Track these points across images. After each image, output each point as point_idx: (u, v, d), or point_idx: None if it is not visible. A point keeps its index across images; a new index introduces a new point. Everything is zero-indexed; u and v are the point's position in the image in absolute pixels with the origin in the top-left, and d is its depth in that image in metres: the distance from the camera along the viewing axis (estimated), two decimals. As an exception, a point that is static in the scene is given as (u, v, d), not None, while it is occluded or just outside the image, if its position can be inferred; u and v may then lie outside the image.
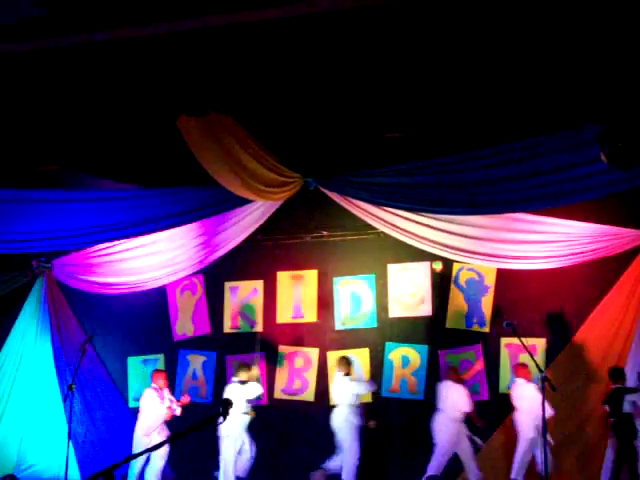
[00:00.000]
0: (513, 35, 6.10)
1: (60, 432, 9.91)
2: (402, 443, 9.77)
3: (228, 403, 4.36)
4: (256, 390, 9.36)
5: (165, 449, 9.04)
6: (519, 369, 9.12)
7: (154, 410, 9.09)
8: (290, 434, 10.03)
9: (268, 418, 10.14)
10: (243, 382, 9.35)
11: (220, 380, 10.42)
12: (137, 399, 10.63)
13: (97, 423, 10.37)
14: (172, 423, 9.35)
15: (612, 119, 5.90)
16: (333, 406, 9.47)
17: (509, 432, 9.31)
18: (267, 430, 10.05)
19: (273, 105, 7.30)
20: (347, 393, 9.30)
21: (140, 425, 9.23)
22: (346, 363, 9.54)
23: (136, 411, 10.45)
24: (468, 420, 9.19)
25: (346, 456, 9.17)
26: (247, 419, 9.30)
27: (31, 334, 10.49)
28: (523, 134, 7.09)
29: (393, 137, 7.85)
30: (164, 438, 8.92)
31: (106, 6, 5.69)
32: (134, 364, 10.77)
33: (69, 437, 9.15)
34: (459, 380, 9.18)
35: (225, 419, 3.86)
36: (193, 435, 4.15)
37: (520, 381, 8.99)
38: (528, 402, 8.60)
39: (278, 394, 10.30)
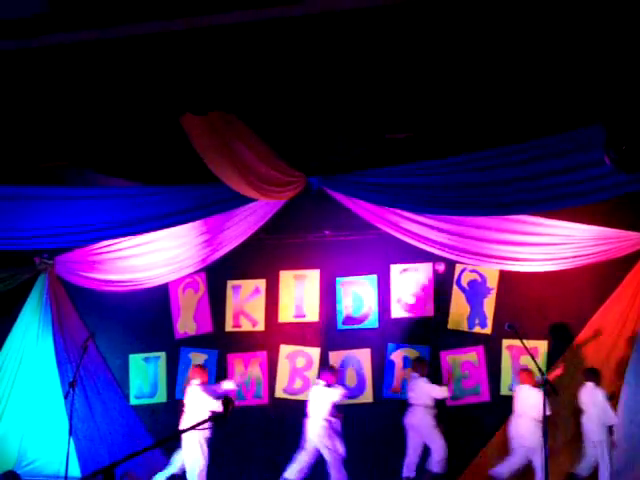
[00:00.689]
0: (518, 36, 6.09)
1: (61, 429, 9.94)
2: (403, 443, 9.76)
3: (229, 402, 4.36)
4: (340, 392, 9.27)
5: (204, 449, 8.99)
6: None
7: (205, 406, 9.03)
8: (291, 433, 10.03)
9: (268, 418, 10.16)
10: (329, 385, 9.30)
11: (221, 378, 10.43)
12: (138, 397, 10.66)
13: (98, 420, 10.37)
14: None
15: (616, 122, 5.89)
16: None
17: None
18: (268, 429, 10.08)
19: (277, 104, 7.29)
20: (423, 394, 9.24)
21: (190, 422, 9.15)
22: (423, 364, 9.49)
23: (137, 409, 10.51)
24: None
25: (434, 453, 9.16)
26: (330, 423, 9.20)
27: (33, 330, 10.51)
28: (527, 136, 7.08)
29: (397, 138, 7.84)
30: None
31: (108, 3, 5.69)
32: (136, 361, 10.78)
33: (70, 434, 9.17)
34: (534, 383, 8.90)
35: (226, 419, 3.85)
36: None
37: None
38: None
39: (279, 393, 10.30)
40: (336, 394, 9.22)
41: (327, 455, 9.12)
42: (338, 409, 9.28)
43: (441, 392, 9.33)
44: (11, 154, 7.93)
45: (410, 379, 9.51)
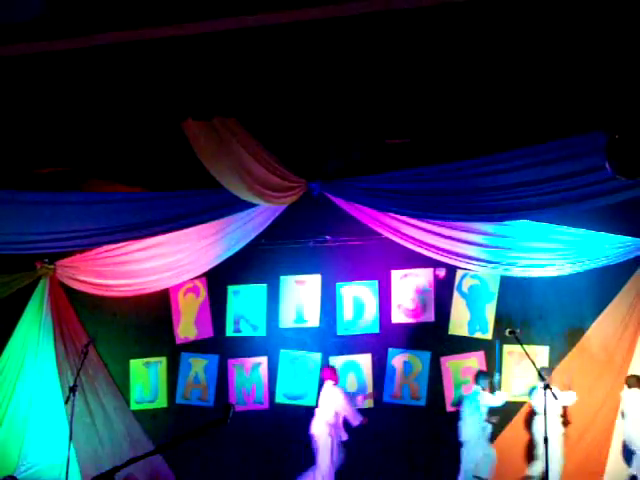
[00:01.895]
0: (520, 42, 6.10)
1: (61, 434, 9.92)
2: (403, 449, 9.76)
3: (229, 407, 4.34)
4: (501, 397, 9.17)
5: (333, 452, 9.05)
6: None
7: (342, 407, 9.06)
8: (291, 439, 10.03)
9: (269, 423, 10.16)
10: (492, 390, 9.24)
11: (222, 383, 10.43)
12: (139, 402, 10.65)
13: (98, 425, 10.36)
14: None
15: (617, 128, 5.90)
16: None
17: (511, 438, 9.33)
18: (268, 435, 10.07)
19: (278, 109, 7.30)
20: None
21: (326, 422, 9.22)
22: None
23: (138, 413, 10.49)
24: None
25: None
26: (489, 426, 9.14)
27: (34, 335, 10.50)
28: (527, 142, 7.09)
29: (398, 143, 7.85)
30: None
31: (108, 9, 5.70)
32: (136, 366, 10.77)
33: (70, 439, 9.15)
34: None
35: (227, 424, 3.83)
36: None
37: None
38: None
39: (280, 398, 10.29)
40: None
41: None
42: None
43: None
44: (13, 159, 7.94)
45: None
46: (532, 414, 9.18)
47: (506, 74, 6.51)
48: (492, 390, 9.24)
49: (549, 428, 8.55)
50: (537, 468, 8.94)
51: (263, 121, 7.44)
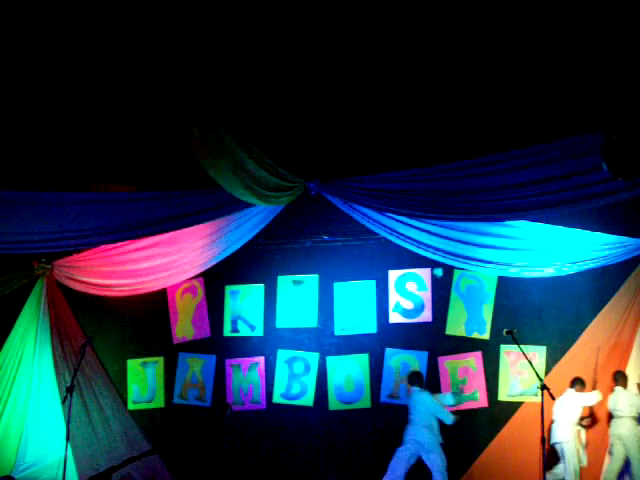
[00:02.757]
0: (518, 43, 6.12)
1: (59, 433, 9.91)
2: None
3: (226, 407, 4.36)
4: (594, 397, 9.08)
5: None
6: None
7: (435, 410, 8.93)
8: (288, 439, 10.03)
9: (266, 423, 10.16)
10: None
11: (219, 383, 10.43)
12: (136, 401, 10.65)
13: (95, 425, 10.34)
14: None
15: (614, 128, 5.91)
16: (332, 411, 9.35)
17: (508, 439, 9.33)
18: (265, 435, 10.07)
19: (276, 109, 7.31)
20: (631, 406, 8.92)
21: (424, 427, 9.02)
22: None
23: (135, 413, 10.48)
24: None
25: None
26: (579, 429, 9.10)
27: (31, 335, 10.48)
28: (526, 142, 7.10)
29: (395, 143, 7.86)
30: None
31: (107, 11, 5.70)
32: (133, 366, 10.77)
33: (67, 439, 9.14)
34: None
35: (224, 423, 3.85)
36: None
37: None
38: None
39: (277, 399, 10.29)
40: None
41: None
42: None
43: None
44: (12, 159, 7.94)
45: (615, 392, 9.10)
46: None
47: (506, 75, 6.53)
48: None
49: (563, 431, 8.67)
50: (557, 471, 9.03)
51: (261, 121, 7.45)
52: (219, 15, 5.74)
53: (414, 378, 9.32)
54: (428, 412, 8.96)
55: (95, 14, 5.71)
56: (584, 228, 8.58)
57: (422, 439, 8.87)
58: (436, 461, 8.81)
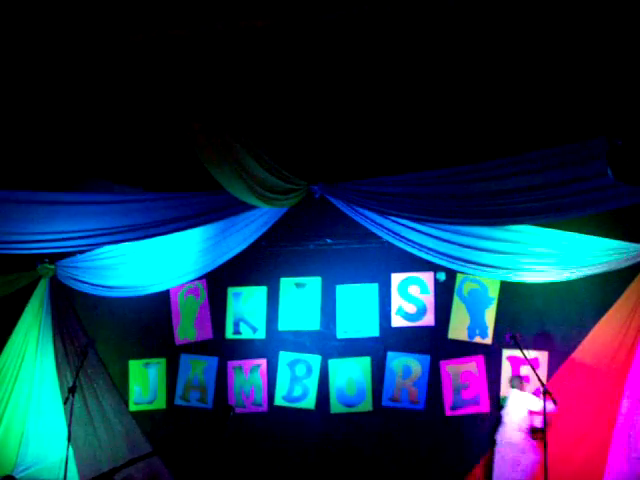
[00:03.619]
0: (523, 46, 6.12)
1: (60, 434, 9.92)
2: (401, 453, 9.75)
3: (229, 409, 4.36)
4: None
5: None
6: None
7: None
8: (289, 441, 10.03)
9: (267, 425, 10.15)
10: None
11: (221, 385, 10.42)
12: (137, 402, 10.65)
13: (97, 426, 10.35)
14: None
15: (620, 134, 5.91)
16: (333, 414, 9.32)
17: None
18: (266, 437, 10.07)
19: (280, 111, 7.32)
20: None
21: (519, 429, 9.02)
22: None
23: (136, 414, 10.48)
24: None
25: None
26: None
27: (33, 335, 10.50)
28: (529, 147, 7.10)
29: (400, 146, 7.87)
30: None
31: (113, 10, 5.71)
32: (135, 367, 10.77)
33: (69, 439, 9.15)
34: None
35: (227, 425, 3.85)
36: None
37: None
38: None
39: (279, 401, 10.29)
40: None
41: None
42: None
43: None
44: (13, 158, 7.95)
45: None
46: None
47: (508, 80, 6.52)
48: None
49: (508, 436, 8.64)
50: None
51: (265, 123, 7.45)
52: (225, 17, 5.75)
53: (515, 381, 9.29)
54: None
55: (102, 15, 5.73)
56: (587, 233, 8.57)
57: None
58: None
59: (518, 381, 9.25)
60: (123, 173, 8.64)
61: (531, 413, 8.94)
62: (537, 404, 8.75)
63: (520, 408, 8.99)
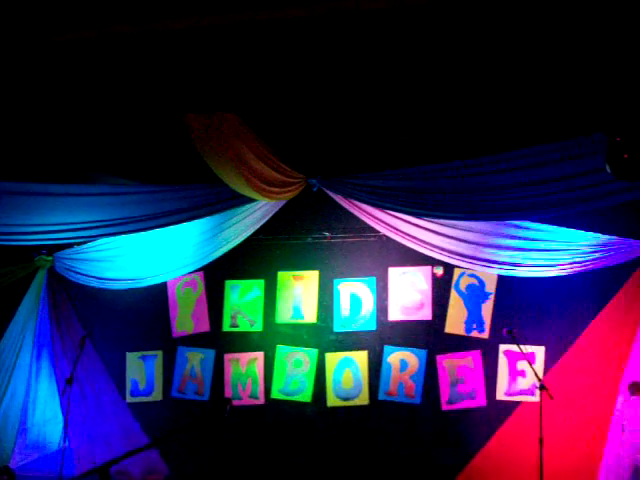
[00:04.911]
0: (521, 42, 6.10)
1: (57, 425, 9.93)
2: (397, 446, 9.77)
3: (226, 402, 4.36)
4: None
5: None
6: None
7: None
8: (285, 434, 10.04)
9: (264, 418, 10.17)
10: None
11: (217, 378, 10.43)
12: (134, 395, 10.65)
13: (93, 418, 10.37)
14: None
15: (618, 129, 5.90)
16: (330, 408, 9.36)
17: (505, 438, 9.34)
18: (263, 430, 10.08)
19: (279, 104, 7.31)
20: None
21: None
22: None
23: (133, 406, 10.49)
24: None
25: None
26: None
27: (30, 326, 10.50)
28: (529, 142, 7.10)
29: (399, 140, 7.85)
30: None
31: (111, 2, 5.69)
32: (132, 359, 10.77)
33: (66, 431, 9.15)
34: None
35: (224, 418, 3.85)
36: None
37: None
38: None
39: (275, 394, 10.30)
40: None
41: None
42: None
43: None
44: (14, 150, 7.94)
45: None
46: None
47: (508, 75, 6.51)
48: None
49: None
50: None
51: (263, 116, 7.44)
52: (222, 9, 5.73)
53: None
54: None
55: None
56: (584, 228, 8.58)
57: None
58: None
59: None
60: (120, 166, 8.63)
61: None
62: None
63: None
